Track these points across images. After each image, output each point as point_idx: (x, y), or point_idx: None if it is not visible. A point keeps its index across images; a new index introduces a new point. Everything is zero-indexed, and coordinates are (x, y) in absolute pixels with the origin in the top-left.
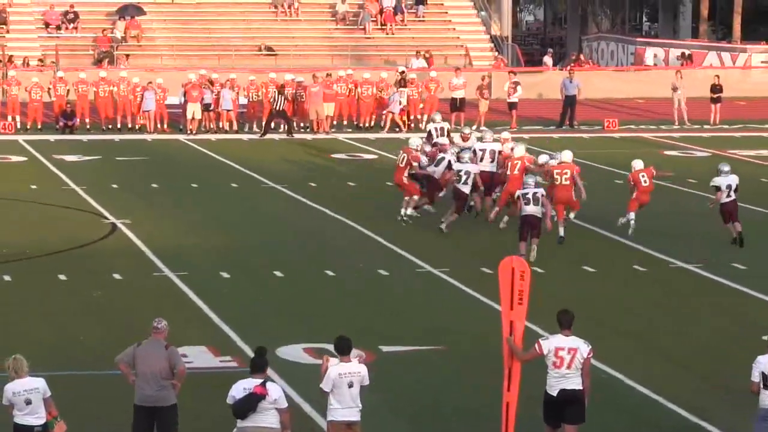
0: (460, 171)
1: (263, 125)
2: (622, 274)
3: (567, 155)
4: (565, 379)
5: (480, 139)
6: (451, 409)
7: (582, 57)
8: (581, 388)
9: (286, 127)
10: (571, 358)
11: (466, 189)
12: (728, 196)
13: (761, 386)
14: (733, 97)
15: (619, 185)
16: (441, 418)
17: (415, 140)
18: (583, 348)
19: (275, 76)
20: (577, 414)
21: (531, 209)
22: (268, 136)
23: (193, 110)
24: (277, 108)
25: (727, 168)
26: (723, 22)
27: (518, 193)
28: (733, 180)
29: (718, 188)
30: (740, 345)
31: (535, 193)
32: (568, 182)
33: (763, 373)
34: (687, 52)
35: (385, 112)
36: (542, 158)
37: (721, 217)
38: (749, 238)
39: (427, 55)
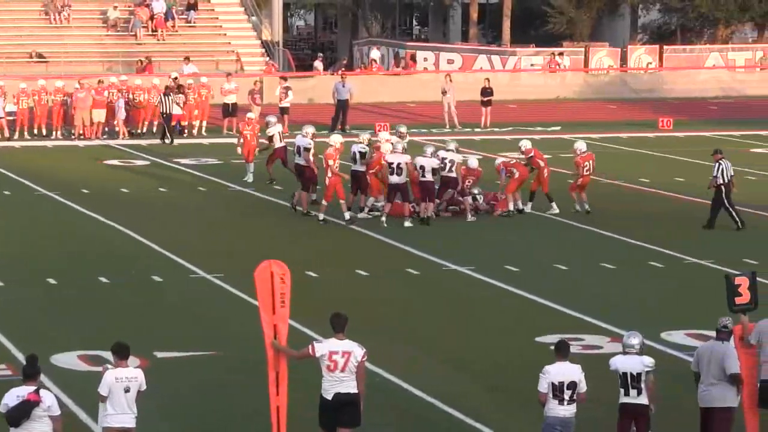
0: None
1: (163, 131)
2: (395, 277)
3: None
4: (339, 383)
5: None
6: (225, 414)
7: (374, 61)
8: (356, 391)
9: (164, 130)
10: (345, 362)
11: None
12: (422, 176)
13: (550, 396)
14: (503, 100)
15: None
16: (215, 423)
17: (429, 148)
18: (357, 351)
19: (45, 82)
20: (353, 417)
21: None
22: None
23: None
24: (164, 111)
25: (430, 150)
26: (492, 26)
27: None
28: (429, 162)
29: (416, 167)
30: (514, 346)
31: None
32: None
33: (552, 384)
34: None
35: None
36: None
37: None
38: (516, 243)
39: (146, 61)
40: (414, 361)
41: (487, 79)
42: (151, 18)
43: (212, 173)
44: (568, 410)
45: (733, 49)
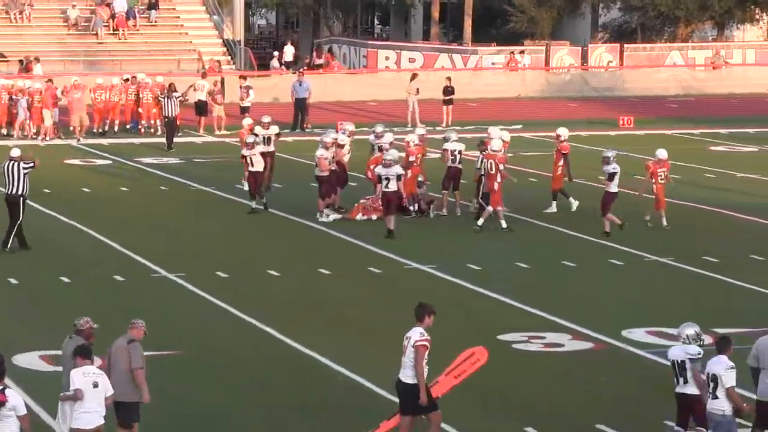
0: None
1: (171, 136)
2: (357, 276)
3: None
4: (402, 368)
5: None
6: (188, 415)
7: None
8: (412, 382)
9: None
10: (406, 346)
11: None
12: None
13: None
14: (464, 99)
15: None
16: (178, 424)
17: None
18: (414, 336)
19: (11, 82)
20: (405, 405)
21: None
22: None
23: None
24: (166, 114)
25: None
26: (454, 25)
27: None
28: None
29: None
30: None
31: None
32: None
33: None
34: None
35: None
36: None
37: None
38: (478, 241)
39: (33, 60)
40: (375, 360)
41: (449, 78)
42: (112, 17)
43: (174, 173)
44: (710, 404)
45: (693, 47)
